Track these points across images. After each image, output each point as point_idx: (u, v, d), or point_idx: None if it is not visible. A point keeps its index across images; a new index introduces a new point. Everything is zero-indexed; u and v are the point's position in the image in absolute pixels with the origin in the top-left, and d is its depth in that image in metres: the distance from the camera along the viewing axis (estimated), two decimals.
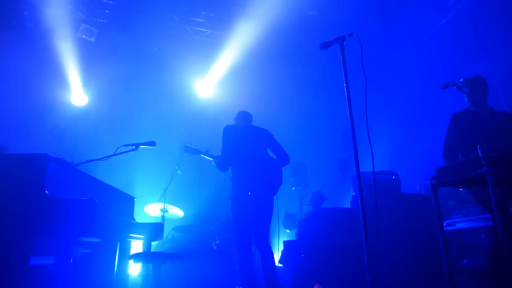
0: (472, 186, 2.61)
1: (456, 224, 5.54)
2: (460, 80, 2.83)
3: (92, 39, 6.70)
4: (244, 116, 3.81)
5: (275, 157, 3.73)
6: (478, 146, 2.12)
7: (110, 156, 2.94)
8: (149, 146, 3.12)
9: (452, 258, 2.39)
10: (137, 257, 3.10)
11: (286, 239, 6.05)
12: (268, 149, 3.71)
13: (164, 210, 5.28)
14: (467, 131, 3.17)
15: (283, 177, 3.71)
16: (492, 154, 2.12)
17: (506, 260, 1.96)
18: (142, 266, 4.42)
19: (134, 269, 4.92)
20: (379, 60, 7.71)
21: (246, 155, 3.49)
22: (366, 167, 2.87)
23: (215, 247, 5.29)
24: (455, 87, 2.88)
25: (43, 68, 6.47)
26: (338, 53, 2.33)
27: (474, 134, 3.13)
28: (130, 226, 3.30)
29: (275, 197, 3.59)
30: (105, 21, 6.81)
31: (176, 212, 5.53)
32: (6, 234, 2.05)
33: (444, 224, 5.32)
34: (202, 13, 6.86)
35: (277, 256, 3.67)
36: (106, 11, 6.69)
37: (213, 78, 7.65)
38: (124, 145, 3.08)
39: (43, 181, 2.15)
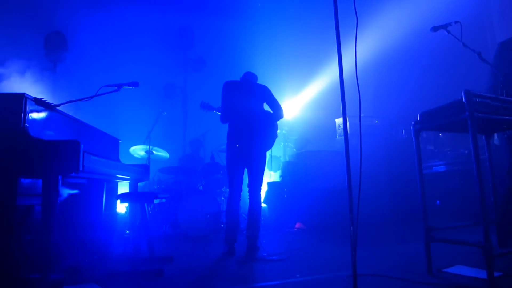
0: (454, 130, 2.67)
1: (433, 168, 5.78)
2: (451, 23, 2.76)
3: None
4: (247, 75, 3.94)
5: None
6: (463, 91, 2.14)
7: (91, 97, 2.85)
8: (132, 87, 3.02)
9: (427, 199, 2.52)
10: (124, 197, 3.14)
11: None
12: (265, 104, 3.89)
13: (149, 152, 5.30)
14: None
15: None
16: (474, 99, 2.15)
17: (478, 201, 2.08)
18: (129, 206, 4.52)
19: (122, 208, 5.03)
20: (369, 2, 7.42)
21: (240, 110, 3.70)
22: (351, 111, 2.89)
23: (201, 188, 5.42)
24: (445, 31, 2.81)
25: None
26: None
27: None
28: (116, 167, 3.31)
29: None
30: None
31: (162, 154, 5.56)
32: None
33: (422, 167, 5.53)
34: None
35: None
36: None
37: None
38: (105, 85, 2.98)
39: (23, 121, 2.09)
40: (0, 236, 2.06)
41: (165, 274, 2.64)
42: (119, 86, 2.98)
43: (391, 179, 5.90)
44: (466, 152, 5.40)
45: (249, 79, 3.93)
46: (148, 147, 5.27)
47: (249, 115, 3.71)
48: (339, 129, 6.14)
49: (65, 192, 2.98)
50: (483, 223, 2.03)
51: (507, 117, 2.26)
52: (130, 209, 4.58)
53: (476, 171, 2.09)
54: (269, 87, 3.94)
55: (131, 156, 5.41)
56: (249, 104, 3.75)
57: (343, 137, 2.11)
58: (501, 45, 3.19)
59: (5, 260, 2.05)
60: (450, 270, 2.45)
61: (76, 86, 5.27)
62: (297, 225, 5.38)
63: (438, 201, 5.97)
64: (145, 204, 3.15)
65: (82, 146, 2.12)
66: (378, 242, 4.00)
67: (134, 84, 3.02)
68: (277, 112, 3.85)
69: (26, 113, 2.14)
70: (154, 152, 5.37)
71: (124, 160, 3.94)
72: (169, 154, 5.71)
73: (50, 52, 6.18)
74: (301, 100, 7.66)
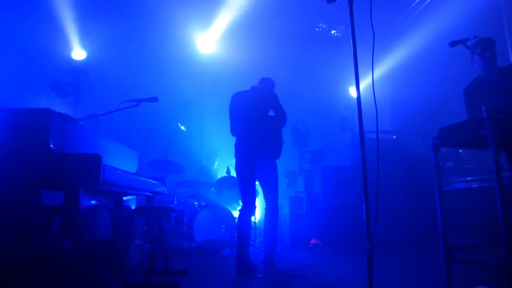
0: (474, 147, 2.62)
1: (454, 185, 5.64)
2: (470, 38, 2.74)
3: None
4: (260, 82, 3.97)
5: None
6: (483, 107, 2.11)
7: (112, 112, 2.94)
8: (151, 102, 3.10)
9: (447, 217, 2.46)
10: (141, 210, 3.18)
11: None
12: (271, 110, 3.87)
13: (166, 165, 5.36)
14: (482, 100, 3.13)
15: (284, 135, 3.90)
16: (496, 115, 2.11)
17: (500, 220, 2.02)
18: (146, 219, 4.56)
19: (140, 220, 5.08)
20: (386, 15, 7.45)
21: (246, 120, 3.72)
22: (368, 126, 2.87)
23: (216, 201, 5.43)
24: (464, 46, 2.80)
25: (41, 22, 6.29)
26: (345, 7, 2.24)
27: (489, 100, 3.08)
28: (134, 180, 3.36)
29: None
30: None
31: (178, 167, 5.62)
32: (15, 186, 2.10)
33: (442, 185, 5.39)
34: None
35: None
36: None
37: (215, 33, 7.44)
38: (126, 101, 3.06)
39: (48, 135, 2.17)
40: (24, 244, 2.12)
41: (180, 287, 2.64)
42: (139, 101, 3.05)
43: (409, 196, 5.78)
44: (487, 169, 5.27)
45: (259, 86, 3.92)
46: (166, 160, 5.34)
47: (254, 125, 3.69)
48: (356, 144, 6.08)
49: (85, 204, 3.04)
50: (505, 243, 1.97)
51: None
52: (146, 223, 4.61)
53: (497, 188, 2.04)
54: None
55: (149, 169, 5.48)
56: (255, 113, 3.73)
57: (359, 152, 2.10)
58: (465, 91, 3.33)
59: (27, 268, 2.10)
60: None
61: (97, 101, 5.42)
62: (313, 241, 5.31)
63: (458, 220, 5.81)
64: (161, 218, 3.18)
65: (102, 159, 2.17)
66: (396, 261, 3.91)
67: (153, 100, 3.09)
68: (279, 117, 3.81)
69: (51, 127, 2.22)
70: (171, 166, 5.43)
71: (142, 172, 4.00)
72: (186, 167, 5.77)
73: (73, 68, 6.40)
74: (317, 114, 7.66)
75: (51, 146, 2.17)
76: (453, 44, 2.84)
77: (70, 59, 6.69)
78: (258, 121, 3.73)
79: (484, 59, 3.10)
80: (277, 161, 3.80)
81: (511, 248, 2.00)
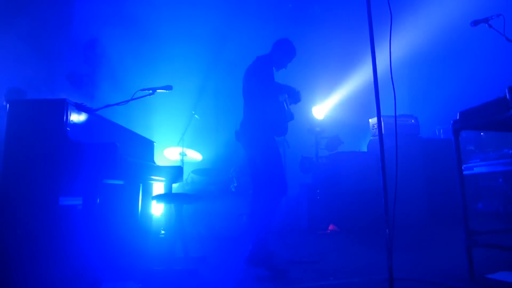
0: (497, 129, 2.54)
1: (474, 168, 5.51)
2: (493, 17, 2.62)
3: None
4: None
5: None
6: (507, 87, 2.03)
7: (128, 101, 2.95)
8: (166, 90, 3.10)
9: (467, 202, 2.41)
10: (159, 198, 3.23)
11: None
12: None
13: (183, 154, 5.40)
14: None
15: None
16: None
17: None
18: (165, 207, 4.63)
19: (157, 210, 5.16)
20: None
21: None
22: (386, 110, 2.81)
23: (233, 189, 5.46)
24: (486, 24, 2.67)
25: (56, 14, 6.34)
26: None
27: None
28: (151, 168, 3.40)
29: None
30: None
31: (195, 155, 5.66)
32: (35, 177, 2.15)
33: (462, 168, 5.27)
34: None
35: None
36: None
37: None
38: (141, 90, 3.08)
39: (65, 125, 2.20)
40: (45, 235, 2.17)
41: (199, 274, 2.68)
42: (154, 89, 3.06)
43: (429, 181, 5.67)
44: (510, 152, 5.11)
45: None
46: (182, 148, 5.38)
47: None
48: (373, 129, 5.98)
49: (104, 192, 3.09)
50: None
51: None
52: (165, 211, 4.69)
53: None
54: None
55: (165, 158, 5.54)
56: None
57: (377, 137, 2.05)
58: None
59: (49, 258, 2.16)
60: (493, 276, 2.33)
61: (113, 90, 5.46)
62: (330, 227, 5.30)
63: (480, 204, 5.69)
64: (180, 205, 3.21)
65: (119, 148, 2.20)
66: (415, 246, 3.86)
67: (168, 88, 3.10)
68: None
69: (67, 117, 2.25)
70: (187, 154, 5.47)
71: (158, 162, 4.04)
72: (202, 155, 5.80)
73: (88, 59, 6.46)
74: (334, 100, 7.55)
75: (68, 136, 2.20)
76: (475, 23, 2.73)
77: (86, 50, 6.77)
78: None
79: None
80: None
81: None
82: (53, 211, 2.21)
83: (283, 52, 3.33)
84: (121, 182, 3.17)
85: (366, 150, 6.05)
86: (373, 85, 2.14)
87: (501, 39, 2.70)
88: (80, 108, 2.42)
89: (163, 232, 4.73)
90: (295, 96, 3.32)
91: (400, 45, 7.25)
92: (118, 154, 2.17)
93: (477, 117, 2.25)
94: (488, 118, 2.17)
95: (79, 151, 2.18)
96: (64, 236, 2.63)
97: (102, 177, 2.27)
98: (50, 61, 6.13)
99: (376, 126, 5.45)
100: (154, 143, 3.97)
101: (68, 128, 2.24)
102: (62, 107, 2.25)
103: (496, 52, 3.27)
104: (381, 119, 2.09)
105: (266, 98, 3.09)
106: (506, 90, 2.04)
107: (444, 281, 2.26)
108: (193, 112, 5.58)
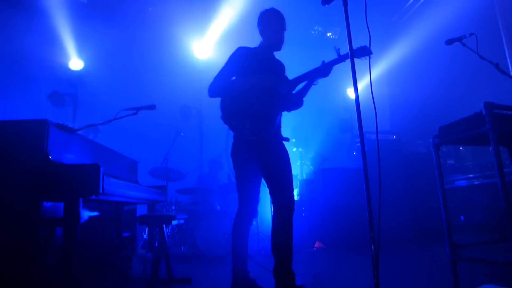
0: (475, 144, 2.61)
1: (455, 182, 5.62)
2: (466, 36, 2.74)
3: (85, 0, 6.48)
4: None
5: None
6: (482, 103, 2.10)
7: (110, 121, 2.92)
8: (149, 109, 3.09)
9: (450, 215, 2.45)
10: (142, 219, 3.17)
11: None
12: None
13: (167, 173, 5.34)
14: None
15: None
16: (495, 111, 2.10)
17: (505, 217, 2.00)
18: (148, 228, 4.53)
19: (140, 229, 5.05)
20: (381, 15, 7.47)
21: None
22: (367, 127, 2.86)
23: (218, 208, 5.41)
24: (460, 43, 2.79)
25: (36, 32, 6.30)
26: (340, 9, 2.24)
27: None
28: (135, 189, 3.35)
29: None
30: None
31: (179, 175, 5.60)
32: (13, 199, 2.08)
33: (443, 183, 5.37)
34: None
35: None
36: None
37: (212, 38, 7.46)
38: (124, 109, 3.06)
39: (45, 146, 2.15)
40: (24, 259, 2.10)
41: None
42: (137, 109, 3.04)
43: (412, 195, 5.76)
44: (489, 165, 5.25)
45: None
46: (166, 168, 5.32)
47: None
48: (356, 145, 6.07)
49: (86, 214, 3.02)
50: (511, 239, 1.95)
51: None
52: (148, 231, 4.59)
53: (500, 185, 2.02)
54: None
55: (149, 177, 5.46)
56: None
57: (361, 153, 2.08)
58: None
59: (28, 284, 2.08)
60: None
61: (96, 110, 5.41)
62: (317, 244, 5.28)
63: (462, 217, 5.78)
64: (164, 226, 3.16)
65: (102, 169, 2.16)
66: (401, 260, 3.88)
67: (151, 107, 3.09)
68: None
69: (48, 138, 2.20)
70: (172, 173, 5.41)
71: (142, 181, 3.98)
72: (186, 174, 5.75)
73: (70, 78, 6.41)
74: (317, 117, 7.65)
75: (49, 157, 2.15)
76: (449, 42, 2.84)
77: (68, 69, 6.72)
78: None
79: None
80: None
81: None
82: (32, 235, 2.14)
83: (265, 27, 2.87)
84: (103, 203, 3.10)
85: (350, 166, 6.11)
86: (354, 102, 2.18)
87: (475, 56, 2.81)
88: (61, 129, 2.38)
89: (146, 254, 4.61)
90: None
91: (380, 61, 7.47)
92: (101, 175, 2.13)
93: (456, 132, 2.31)
94: (466, 133, 2.23)
95: (61, 172, 2.13)
96: (44, 263, 2.54)
97: (84, 199, 2.21)
98: (31, 81, 6.05)
99: (359, 142, 5.53)
100: (138, 163, 3.92)
101: (49, 149, 2.19)
102: (43, 128, 2.20)
103: (472, 68, 3.43)
104: (363, 135, 2.13)
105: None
106: (482, 106, 2.11)
107: None
108: (178, 130, 5.56)
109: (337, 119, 7.23)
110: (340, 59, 2.65)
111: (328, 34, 7.99)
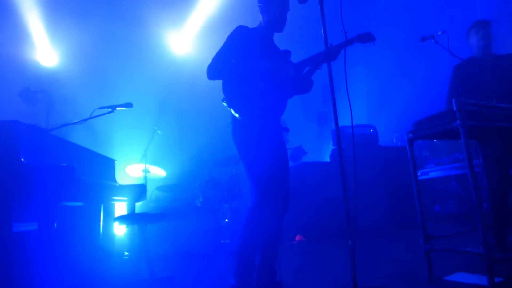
0: (447, 138, 2.70)
1: (430, 173, 5.80)
2: (438, 33, 2.82)
3: None
4: None
5: None
6: (453, 99, 2.17)
7: (86, 120, 2.87)
8: (126, 108, 3.04)
9: (425, 205, 2.54)
10: (121, 219, 3.13)
11: None
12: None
13: (146, 171, 5.28)
14: (469, 80, 3.19)
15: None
16: (466, 108, 2.18)
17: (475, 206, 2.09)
18: (128, 226, 4.49)
19: (120, 229, 4.99)
20: (357, 10, 7.55)
21: None
22: (345, 121, 2.91)
23: (199, 205, 5.40)
24: (433, 40, 2.87)
25: (8, 26, 6.07)
26: (316, 7, 2.26)
27: (476, 83, 3.15)
28: (112, 188, 3.30)
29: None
30: None
31: (158, 172, 5.55)
32: None
33: (419, 174, 5.56)
34: None
35: None
36: None
37: (189, 33, 7.37)
38: (100, 108, 3.00)
39: (17, 148, 2.09)
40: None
41: None
42: (113, 107, 3.00)
43: (389, 187, 5.91)
44: (461, 156, 5.44)
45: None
46: (144, 165, 5.26)
47: None
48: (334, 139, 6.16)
49: (62, 216, 2.96)
50: (481, 230, 2.04)
51: (498, 124, 2.29)
52: (128, 231, 4.54)
53: (470, 177, 2.11)
54: None
55: (128, 175, 5.39)
56: None
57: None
58: (455, 68, 3.36)
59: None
60: (451, 278, 2.45)
61: (71, 110, 5.28)
62: (297, 237, 5.35)
63: (437, 207, 5.98)
64: (143, 225, 3.13)
65: (77, 170, 2.12)
66: (379, 251, 3.98)
67: (128, 105, 3.05)
68: None
69: (20, 139, 2.14)
70: (151, 171, 5.35)
71: (121, 180, 3.93)
72: (166, 171, 5.71)
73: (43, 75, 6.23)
74: (295, 110, 7.70)
75: (21, 159, 2.10)
76: (422, 39, 2.92)
77: (40, 66, 6.52)
78: None
79: (478, 37, 3.17)
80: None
81: (486, 234, 2.07)
82: (6, 238, 2.09)
83: (268, 4, 2.65)
84: (80, 204, 3.05)
85: (328, 160, 6.20)
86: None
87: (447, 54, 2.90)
88: (34, 130, 2.32)
89: (126, 253, 4.57)
90: None
91: (358, 55, 7.57)
92: (76, 176, 2.09)
93: (429, 127, 2.38)
94: (438, 128, 2.31)
95: (34, 175, 2.08)
96: (19, 264, 2.49)
97: (59, 201, 2.17)
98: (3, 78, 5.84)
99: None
100: (115, 161, 3.86)
101: (21, 151, 2.13)
102: (15, 129, 2.14)
103: (444, 65, 3.56)
104: (340, 129, 2.17)
105: None
106: (453, 101, 2.19)
107: (405, 285, 2.35)
108: (156, 128, 5.48)
109: (315, 112, 7.32)
110: (347, 42, 2.58)
111: None
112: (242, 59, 2.47)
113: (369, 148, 5.81)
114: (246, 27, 2.59)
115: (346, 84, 2.26)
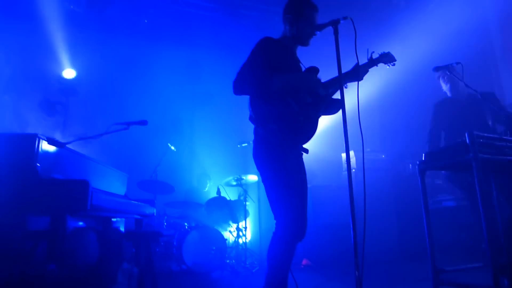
0: (459, 171, 2.68)
1: (443, 202, 5.69)
2: (453, 64, 2.84)
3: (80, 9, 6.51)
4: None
5: None
6: (466, 132, 2.16)
7: (101, 135, 2.93)
8: (141, 125, 3.10)
9: (436, 235, 2.49)
10: (128, 236, 3.15)
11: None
12: None
13: (156, 186, 5.32)
14: (447, 118, 3.56)
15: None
16: (478, 140, 2.17)
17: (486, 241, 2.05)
18: (134, 244, 4.49)
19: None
20: (369, 41, 7.61)
21: None
22: (358, 145, 2.90)
23: (206, 223, 5.39)
24: (447, 71, 2.89)
25: (30, 39, 6.29)
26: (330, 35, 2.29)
27: (453, 121, 3.50)
28: (122, 204, 3.33)
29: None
30: None
31: (169, 188, 5.58)
32: (1, 213, 2.07)
33: (430, 203, 5.42)
34: None
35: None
36: None
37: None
38: (115, 123, 3.06)
39: (35, 161, 2.15)
40: (9, 270, 2.07)
41: None
42: (128, 124, 3.05)
43: (399, 215, 5.80)
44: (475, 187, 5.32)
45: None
46: (156, 181, 5.30)
47: None
48: (345, 163, 6.12)
49: (72, 225, 3.00)
50: (492, 267, 1.99)
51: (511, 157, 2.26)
52: (135, 248, 4.54)
53: (483, 213, 2.07)
54: None
55: (139, 190, 5.43)
56: None
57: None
58: (435, 106, 3.82)
59: None
60: None
61: (86, 123, 5.39)
62: (304, 261, 5.27)
63: (449, 237, 5.83)
64: (150, 243, 3.14)
65: (90, 185, 2.16)
66: (387, 283, 3.89)
67: (143, 123, 3.10)
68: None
69: (38, 152, 2.20)
70: (161, 187, 5.38)
71: (131, 194, 3.97)
72: (176, 187, 5.73)
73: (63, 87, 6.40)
74: None
75: (38, 172, 2.15)
76: (437, 69, 2.94)
77: (60, 78, 6.70)
78: None
79: (444, 82, 3.63)
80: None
81: (497, 269, 2.02)
82: (18, 247, 2.12)
83: (297, 16, 2.47)
84: (91, 218, 3.09)
85: (339, 183, 6.15)
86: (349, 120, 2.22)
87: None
88: (51, 143, 2.38)
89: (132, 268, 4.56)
90: None
91: (370, 83, 7.58)
92: (89, 191, 2.13)
93: (441, 159, 2.37)
94: (450, 160, 2.29)
95: (49, 187, 2.13)
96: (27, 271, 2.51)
97: (71, 214, 2.20)
98: (23, 89, 6.02)
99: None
100: (127, 176, 3.91)
101: (38, 164, 2.19)
102: (33, 142, 2.21)
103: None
104: (352, 154, 2.17)
105: None
106: (466, 134, 2.18)
107: None
108: (169, 144, 5.55)
109: (331, 136, 7.29)
110: (373, 62, 2.57)
111: None
112: (273, 73, 2.23)
113: (381, 174, 5.76)
114: (273, 39, 2.40)
115: (359, 113, 2.26)
